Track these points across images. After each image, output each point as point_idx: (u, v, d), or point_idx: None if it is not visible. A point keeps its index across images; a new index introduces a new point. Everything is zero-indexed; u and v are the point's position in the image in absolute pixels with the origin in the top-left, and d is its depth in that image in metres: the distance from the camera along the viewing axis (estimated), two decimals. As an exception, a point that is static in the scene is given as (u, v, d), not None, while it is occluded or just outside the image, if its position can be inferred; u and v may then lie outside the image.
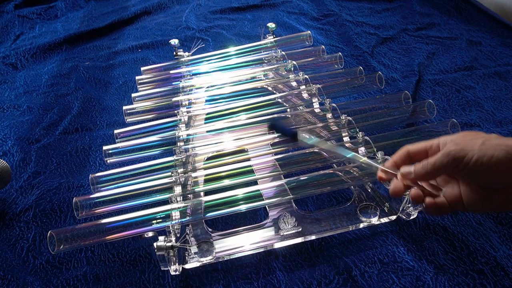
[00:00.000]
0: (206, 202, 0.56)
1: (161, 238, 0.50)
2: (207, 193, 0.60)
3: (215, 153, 0.68)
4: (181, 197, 0.58)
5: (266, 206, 0.62)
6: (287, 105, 0.79)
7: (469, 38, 1.05)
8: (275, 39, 0.95)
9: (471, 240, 0.57)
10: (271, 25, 0.94)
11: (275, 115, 0.69)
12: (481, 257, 0.55)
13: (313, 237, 0.58)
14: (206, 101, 0.82)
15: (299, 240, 0.58)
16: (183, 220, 0.54)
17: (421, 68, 0.95)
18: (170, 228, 0.52)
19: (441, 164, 0.39)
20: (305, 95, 0.77)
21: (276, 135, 0.58)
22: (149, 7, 1.35)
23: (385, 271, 0.55)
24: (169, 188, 0.60)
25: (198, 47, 0.99)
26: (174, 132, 0.70)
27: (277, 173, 0.62)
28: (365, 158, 0.49)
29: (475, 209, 0.40)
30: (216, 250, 0.57)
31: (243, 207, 0.55)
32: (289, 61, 0.84)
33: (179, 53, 0.94)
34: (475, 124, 0.77)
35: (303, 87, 0.78)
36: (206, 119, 0.77)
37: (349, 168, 0.61)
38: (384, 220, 0.60)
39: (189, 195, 0.60)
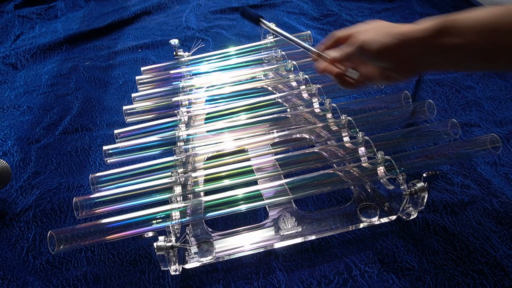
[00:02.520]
0: (206, 202, 0.56)
1: (161, 238, 0.50)
2: (207, 193, 0.60)
3: (215, 153, 0.68)
4: (181, 197, 0.58)
5: (266, 206, 0.62)
6: (287, 105, 0.79)
7: (469, 38, 1.04)
8: (275, 39, 0.95)
9: (471, 240, 0.57)
10: (272, 25, 0.94)
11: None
12: (481, 257, 0.55)
13: (313, 237, 0.58)
14: (206, 101, 0.82)
15: (299, 240, 0.58)
16: (183, 220, 0.54)
17: (421, 68, 0.95)
18: (170, 228, 0.52)
19: (352, 53, 0.50)
20: (305, 95, 0.77)
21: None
22: (149, 7, 1.35)
23: (385, 271, 0.55)
24: (169, 188, 0.60)
25: (198, 47, 0.99)
26: (174, 132, 0.70)
27: (277, 173, 0.62)
28: (304, 43, 0.62)
29: (377, 82, 0.52)
30: (216, 250, 0.57)
31: (243, 207, 0.55)
32: (289, 61, 0.84)
33: (179, 53, 0.94)
34: (475, 124, 0.77)
35: (303, 87, 0.78)
36: (206, 119, 0.77)
37: (349, 168, 0.61)
38: (384, 220, 0.60)
39: (189, 195, 0.60)
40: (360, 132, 0.64)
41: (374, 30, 0.48)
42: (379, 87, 0.79)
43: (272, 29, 0.59)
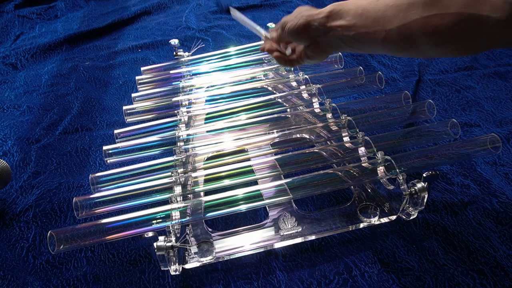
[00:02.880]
0: (206, 202, 0.56)
1: (161, 238, 0.50)
2: (207, 193, 0.60)
3: (215, 153, 0.68)
4: (181, 197, 0.58)
5: (266, 206, 0.62)
6: (287, 105, 0.79)
7: (469, 38, 1.04)
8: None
9: (471, 240, 0.57)
10: (271, 25, 0.94)
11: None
12: (481, 257, 0.55)
13: (313, 237, 0.58)
14: (206, 101, 0.82)
15: (299, 240, 0.58)
16: (183, 220, 0.54)
17: (421, 68, 0.95)
18: (170, 228, 0.52)
19: (278, 32, 0.57)
20: (305, 95, 0.77)
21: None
22: (149, 7, 1.35)
23: (385, 271, 0.55)
24: (169, 188, 0.60)
25: (198, 47, 0.99)
26: (174, 132, 0.70)
27: (277, 173, 0.62)
28: (254, 24, 0.68)
29: (304, 59, 0.57)
30: (216, 250, 0.57)
31: (243, 207, 0.55)
32: (289, 61, 0.84)
33: (179, 53, 0.94)
34: (475, 124, 0.77)
35: (303, 87, 0.78)
36: (206, 119, 0.77)
37: (349, 168, 0.61)
38: (384, 220, 0.60)
39: (189, 195, 0.60)
40: (360, 132, 0.64)
41: (294, 13, 0.53)
42: (379, 87, 0.78)
43: (235, 15, 0.67)
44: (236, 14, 0.69)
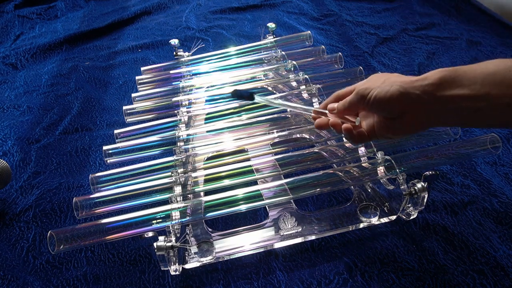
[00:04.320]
0: (206, 202, 0.56)
1: (161, 238, 0.50)
2: (207, 193, 0.60)
3: (215, 153, 0.68)
4: (181, 197, 0.58)
5: (266, 206, 0.62)
6: (287, 105, 0.79)
7: (469, 38, 1.05)
8: (275, 39, 0.95)
9: (471, 240, 0.57)
10: (271, 25, 0.94)
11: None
12: (481, 257, 0.55)
13: (313, 237, 0.58)
14: (206, 101, 0.82)
15: (299, 240, 0.58)
16: (183, 220, 0.54)
17: (421, 68, 0.95)
18: (170, 228, 0.52)
19: (353, 100, 0.48)
20: (305, 95, 0.77)
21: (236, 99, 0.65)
22: (149, 7, 1.35)
23: (385, 271, 0.55)
24: (169, 188, 0.60)
25: (198, 47, 0.99)
26: (174, 132, 0.70)
27: (277, 173, 0.62)
28: (300, 105, 0.57)
29: (382, 136, 0.48)
30: (216, 250, 0.57)
31: (243, 207, 0.55)
32: (289, 61, 0.84)
33: (179, 53, 0.94)
34: (475, 124, 0.77)
35: (303, 87, 0.78)
36: (206, 119, 0.77)
37: (349, 168, 0.61)
38: (384, 220, 0.60)
39: (189, 195, 0.60)
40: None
41: (375, 79, 0.47)
42: None
43: (269, 101, 0.57)
44: (270, 100, 0.59)
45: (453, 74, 0.41)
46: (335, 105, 0.51)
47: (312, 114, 0.54)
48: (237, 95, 0.58)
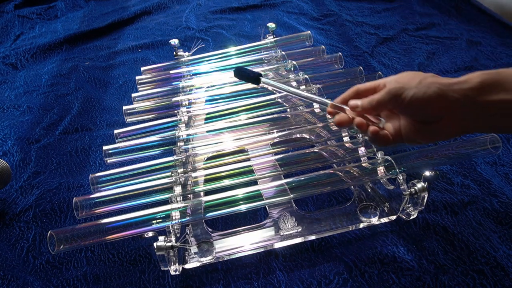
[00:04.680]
0: (206, 202, 0.56)
1: (161, 238, 0.50)
2: (207, 193, 0.60)
3: (215, 153, 0.68)
4: (181, 197, 0.58)
5: (266, 206, 0.62)
6: (287, 105, 0.79)
7: (469, 38, 1.05)
8: (275, 39, 0.96)
9: (471, 240, 0.57)
10: (271, 25, 0.94)
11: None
12: (481, 257, 0.55)
13: (313, 237, 0.58)
14: (206, 101, 0.82)
15: (299, 240, 0.58)
16: (183, 220, 0.54)
17: (421, 68, 0.95)
18: (170, 228, 0.52)
19: (384, 100, 0.43)
20: (305, 95, 0.77)
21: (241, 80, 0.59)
22: (149, 7, 1.35)
23: (385, 271, 0.55)
24: (169, 188, 0.60)
25: (198, 47, 0.99)
26: (174, 132, 0.70)
27: (277, 173, 0.62)
28: (313, 95, 0.52)
29: (411, 141, 0.45)
30: (216, 250, 0.57)
31: (243, 207, 0.55)
32: (289, 61, 0.84)
33: (179, 53, 0.94)
34: (475, 124, 0.77)
35: (303, 87, 0.78)
36: (206, 119, 0.77)
37: (349, 168, 0.61)
38: (384, 220, 0.60)
39: (189, 195, 0.60)
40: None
41: (408, 78, 0.43)
42: None
43: (274, 86, 0.52)
44: (275, 84, 0.53)
45: (495, 77, 0.39)
46: (358, 102, 0.46)
47: (328, 108, 0.49)
48: (240, 74, 0.52)
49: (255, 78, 0.50)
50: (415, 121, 0.43)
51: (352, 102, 0.47)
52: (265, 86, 0.51)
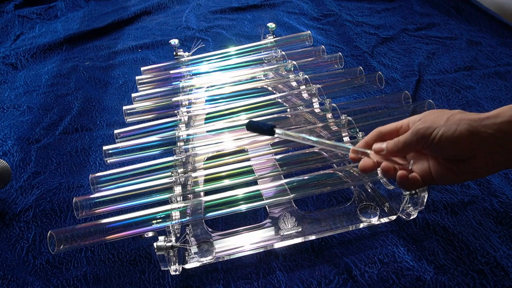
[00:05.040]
0: (206, 202, 0.56)
1: (161, 238, 0.50)
2: (207, 193, 0.60)
3: (215, 153, 0.68)
4: (181, 197, 0.58)
5: (266, 206, 0.62)
6: (287, 105, 0.79)
7: (469, 38, 1.05)
8: (275, 39, 0.96)
9: (471, 240, 0.57)
10: (271, 25, 0.94)
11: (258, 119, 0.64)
12: (481, 257, 0.55)
13: (313, 237, 0.58)
14: (206, 101, 0.82)
15: (299, 240, 0.58)
16: (183, 220, 0.54)
17: (421, 68, 0.95)
18: (170, 228, 0.52)
19: (411, 141, 0.42)
20: (305, 95, 0.77)
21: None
22: (149, 7, 1.35)
23: (385, 271, 0.55)
24: (169, 188, 0.60)
25: (198, 47, 0.99)
26: (174, 132, 0.70)
27: (277, 173, 0.62)
28: (334, 142, 0.49)
29: (444, 181, 0.43)
30: (216, 250, 0.57)
31: (243, 207, 0.55)
32: (289, 61, 0.84)
33: (179, 53, 0.94)
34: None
35: (303, 87, 0.78)
36: (206, 119, 0.77)
37: (349, 168, 0.61)
38: (384, 220, 0.60)
39: (189, 195, 0.60)
40: (360, 132, 0.64)
41: (434, 117, 0.41)
42: (379, 87, 0.78)
43: (290, 136, 0.49)
44: (291, 134, 0.50)
45: None
46: (383, 145, 0.44)
47: (350, 154, 0.47)
48: (253, 127, 0.50)
49: (268, 130, 0.49)
50: (446, 161, 0.41)
51: (377, 145, 0.45)
52: (282, 137, 0.49)
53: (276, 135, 0.49)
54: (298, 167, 0.62)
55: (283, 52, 0.89)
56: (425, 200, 0.54)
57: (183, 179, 0.60)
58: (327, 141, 0.49)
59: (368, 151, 0.46)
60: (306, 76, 0.79)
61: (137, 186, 0.60)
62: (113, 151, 0.68)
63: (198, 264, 0.56)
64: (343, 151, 0.48)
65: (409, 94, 0.74)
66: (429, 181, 0.43)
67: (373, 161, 0.45)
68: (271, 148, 0.68)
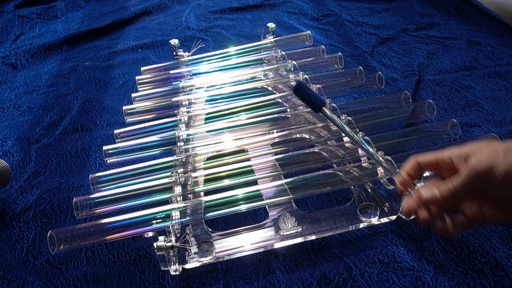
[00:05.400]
0: (206, 202, 0.56)
1: (161, 238, 0.50)
2: (207, 193, 0.60)
3: (215, 153, 0.68)
4: (181, 197, 0.58)
5: (266, 206, 0.62)
6: (287, 105, 0.79)
7: (469, 38, 1.05)
8: (275, 39, 0.96)
9: (471, 240, 0.57)
10: (271, 25, 0.94)
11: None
12: (481, 257, 0.55)
13: (313, 237, 0.58)
14: (206, 101, 0.82)
15: (299, 240, 0.58)
16: (183, 220, 0.54)
17: (421, 68, 0.95)
18: (170, 228, 0.52)
19: (470, 184, 0.37)
20: (305, 95, 0.77)
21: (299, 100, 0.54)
22: (149, 7, 1.35)
23: (385, 271, 0.55)
24: (169, 188, 0.60)
25: (198, 47, 0.99)
26: (174, 132, 0.70)
27: (277, 173, 0.62)
28: (384, 163, 0.46)
29: (501, 220, 0.39)
30: (216, 250, 0.57)
31: (243, 207, 0.55)
32: (289, 61, 0.84)
33: (179, 53, 0.94)
34: (475, 124, 0.77)
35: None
36: (206, 119, 0.77)
37: (349, 168, 0.61)
38: (384, 220, 0.60)
39: (189, 195, 0.60)
40: (360, 132, 0.64)
41: (487, 151, 0.37)
42: (379, 87, 0.78)
43: (336, 121, 0.47)
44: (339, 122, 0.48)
45: None
46: (435, 191, 0.39)
47: (399, 186, 0.44)
48: (300, 94, 0.47)
49: (315, 105, 0.46)
50: (499, 198, 0.38)
51: (428, 193, 0.40)
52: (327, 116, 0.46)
53: (319, 113, 0.45)
54: (298, 167, 0.62)
55: (283, 52, 0.89)
56: (425, 200, 0.54)
57: (183, 179, 0.60)
58: (369, 149, 0.45)
59: (418, 185, 0.41)
60: (306, 76, 0.79)
61: (137, 186, 0.60)
62: (113, 151, 0.68)
63: (198, 264, 0.56)
64: (390, 174, 0.44)
65: (409, 94, 0.74)
66: (480, 221, 0.39)
67: (417, 203, 0.41)
68: (271, 148, 0.68)
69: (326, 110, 0.45)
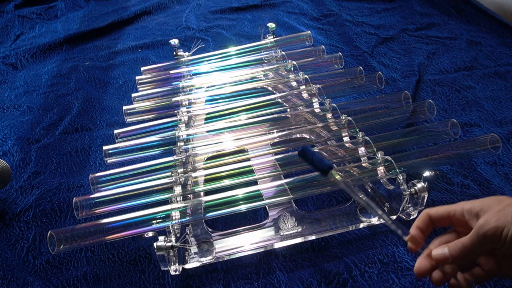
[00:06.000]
0: (206, 202, 0.56)
1: (161, 238, 0.50)
2: (207, 193, 0.60)
3: (215, 153, 0.68)
4: (181, 197, 0.58)
5: (266, 206, 0.62)
6: (287, 105, 0.79)
7: (469, 38, 1.05)
8: (275, 39, 0.95)
9: (471, 240, 0.57)
10: (271, 25, 0.94)
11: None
12: (481, 257, 0.55)
13: (313, 237, 0.58)
14: (206, 101, 0.82)
15: (299, 240, 0.58)
16: (183, 220, 0.54)
17: (421, 68, 0.95)
18: (170, 228, 0.52)
19: (478, 246, 0.37)
20: (305, 95, 0.77)
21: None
22: (149, 7, 1.35)
23: (385, 271, 0.55)
24: (169, 188, 0.60)
25: (198, 47, 0.99)
26: (174, 132, 0.70)
27: (277, 173, 0.62)
28: (392, 223, 0.44)
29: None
30: (216, 250, 0.57)
31: (243, 207, 0.55)
32: (289, 61, 0.84)
33: (179, 53, 0.94)
34: (475, 124, 0.77)
35: (303, 87, 0.78)
36: (206, 119, 0.77)
37: (349, 168, 0.61)
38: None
39: (189, 195, 0.60)
40: (360, 132, 0.64)
41: (496, 210, 0.37)
42: (379, 87, 0.78)
43: (345, 186, 0.45)
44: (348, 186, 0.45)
45: None
46: (445, 251, 0.39)
47: (409, 244, 0.42)
48: (306, 157, 0.45)
49: (322, 169, 0.44)
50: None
51: (438, 252, 0.40)
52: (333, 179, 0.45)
53: (327, 177, 0.44)
54: (298, 167, 0.62)
55: (283, 52, 0.89)
56: (425, 200, 0.54)
57: (183, 179, 0.60)
58: (384, 215, 0.43)
59: (424, 247, 0.41)
60: (306, 76, 0.79)
61: (137, 186, 0.60)
62: (113, 151, 0.68)
63: (198, 264, 0.56)
64: (401, 234, 0.43)
65: (409, 94, 0.74)
66: (496, 276, 0.40)
67: (430, 263, 0.40)
68: (271, 148, 0.68)
69: (334, 175, 0.44)
